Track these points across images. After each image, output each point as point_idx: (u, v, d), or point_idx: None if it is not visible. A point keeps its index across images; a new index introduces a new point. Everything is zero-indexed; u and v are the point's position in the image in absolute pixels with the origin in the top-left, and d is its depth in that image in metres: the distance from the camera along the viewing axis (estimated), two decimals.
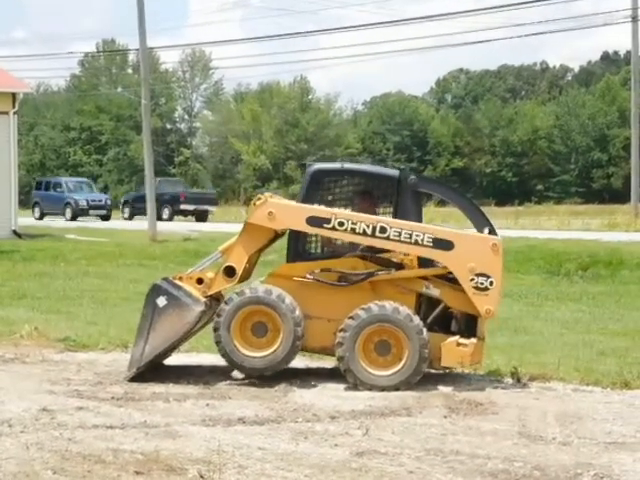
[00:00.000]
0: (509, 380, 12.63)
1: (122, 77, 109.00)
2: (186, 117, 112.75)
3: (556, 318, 18.60)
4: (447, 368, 12.64)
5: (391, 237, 12.32)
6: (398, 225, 12.35)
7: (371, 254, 12.60)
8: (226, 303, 12.33)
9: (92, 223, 52.24)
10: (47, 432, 9.83)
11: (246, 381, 12.38)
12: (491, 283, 12.48)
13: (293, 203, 13.02)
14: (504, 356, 13.94)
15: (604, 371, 12.87)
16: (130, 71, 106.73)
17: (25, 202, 62.19)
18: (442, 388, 12.00)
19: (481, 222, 12.86)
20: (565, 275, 26.72)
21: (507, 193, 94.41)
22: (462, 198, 13.83)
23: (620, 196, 78.29)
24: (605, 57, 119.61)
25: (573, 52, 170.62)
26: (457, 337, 12.33)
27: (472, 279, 12.37)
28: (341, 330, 12.10)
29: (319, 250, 12.96)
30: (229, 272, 12.58)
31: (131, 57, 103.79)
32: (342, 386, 12.30)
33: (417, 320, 12.12)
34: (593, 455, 9.08)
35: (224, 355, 12.42)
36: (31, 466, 8.64)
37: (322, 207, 12.66)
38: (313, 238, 12.85)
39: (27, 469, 8.54)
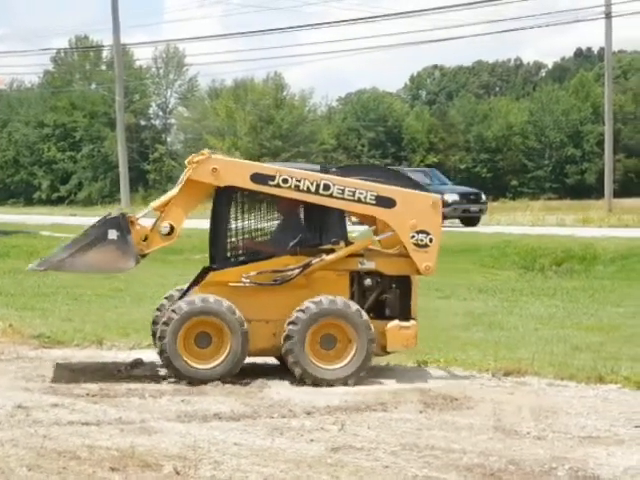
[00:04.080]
0: (484, 375, 12.66)
1: (96, 74, 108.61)
2: (160, 114, 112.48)
3: (531, 313, 18.66)
4: (392, 352, 12.86)
5: (334, 194, 12.41)
6: (341, 182, 12.46)
7: (300, 248, 12.58)
8: (174, 312, 12.00)
9: (66, 219, 52.05)
10: (22, 429, 9.81)
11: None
12: (430, 240, 12.69)
13: (237, 160, 13.02)
14: (479, 351, 13.99)
15: (578, 366, 12.92)
16: (104, 67, 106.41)
17: None
18: (417, 383, 12.00)
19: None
20: (539, 270, 26.83)
21: (482, 189, 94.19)
22: (392, 173, 14.21)
23: (594, 192, 78.71)
24: (579, 54, 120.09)
25: (547, 48, 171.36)
26: (397, 321, 12.56)
27: (413, 236, 12.63)
28: (290, 323, 12.08)
29: (245, 252, 12.78)
30: (167, 231, 12.35)
31: (105, 54, 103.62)
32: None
33: (365, 315, 12.27)
34: (568, 449, 9.11)
35: (168, 365, 12.15)
36: (6, 463, 8.61)
37: (267, 164, 12.94)
38: (236, 241, 12.74)
39: (2, 466, 8.52)
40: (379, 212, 12.67)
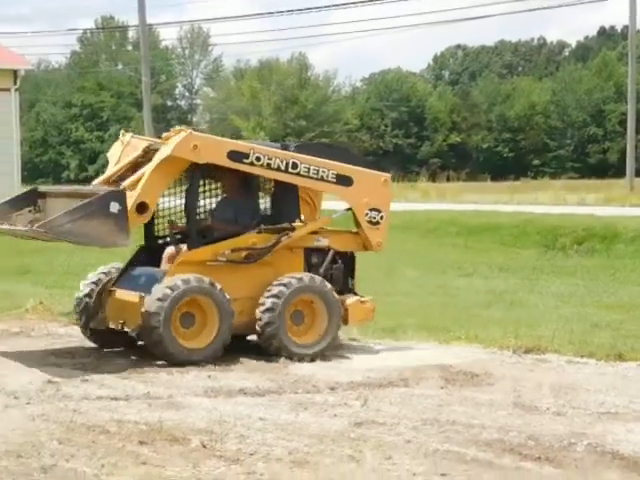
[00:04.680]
0: (505, 352, 12.68)
1: (122, 54, 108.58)
2: (186, 94, 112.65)
3: (551, 292, 18.64)
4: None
5: (301, 173, 12.57)
6: (307, 161, 12.62)
7: (265, 226, 12.59)
8: (160, 300, 11.48)
9: None
10: (52, 404, 9.89)
11: (247, 354, 12.40)
12: (382, 217, 13.11)
13: (216, 137, 12.99)
14: (500, 329, 13.99)
15: (598, 343, 12.92)
16: (130, 48, 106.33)
17: (27, 178, 61.97)
18: (439, 360, 12.02)
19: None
20: (560, 249, 26.74)
21: (503, 168, 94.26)
22: (345, 152, 14.58)
23: (616, 171, 78.22)
24: (602, 32, 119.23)
25: (571, 27, 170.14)
26: (357, 297, 12.94)
27: (366, 213, 13.01)
28: (272, 296, 12.09)
29: (215, 231, 12.60)
30: (140, 209, 11.92)
31: (131, 34, 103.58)
32: (340, 358, 12.35)
33: (336, 294, 12.51)
34: (587, 425, 9.12)
35: (165, 354, 11.70)
36: (37, 437, 8.70)
37: (242, 142, 12.91)
38: (208, 220, 12.76)
39: (33, 439, 8.60)
40: (338, 190, 12.93)
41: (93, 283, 12.77)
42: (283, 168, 12.41)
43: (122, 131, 13.39)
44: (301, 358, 12.14)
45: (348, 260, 13.20)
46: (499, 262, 23.89)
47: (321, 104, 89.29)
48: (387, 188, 13.39)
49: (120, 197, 11.38)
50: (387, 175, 13.46)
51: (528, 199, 45.16)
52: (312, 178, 12.64)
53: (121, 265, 12.95)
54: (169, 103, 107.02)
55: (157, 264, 12.56)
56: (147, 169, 12.07)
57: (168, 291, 11.50)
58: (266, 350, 12.23)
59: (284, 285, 12.19)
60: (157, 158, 12.07)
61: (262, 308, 12.12)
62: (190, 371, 11.39)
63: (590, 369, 11.74)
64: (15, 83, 42.66)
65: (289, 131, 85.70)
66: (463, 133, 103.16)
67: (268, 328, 12.09)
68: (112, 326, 12.47)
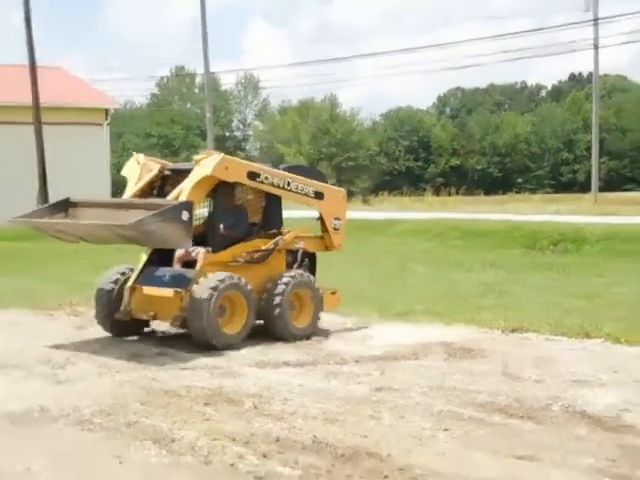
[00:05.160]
0: (495, 332, 12.64)
1: (190, 95, 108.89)
2: (241, 127, 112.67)
3: (532, 284, 18.57)
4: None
5: (292, 189, 12.54)
6: (297, 180, 12.61)
7: (265, 232, 12.44)
8: (209, 293, 11.08)
9: None
10: (136, 373, 9.97)
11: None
12: (341, 224, 13.26)
13: (239, 160, 12.73)
14: (491, 313, 13.94)
15: (569, 325, 12.86)
16: (197, 91, 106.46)
17: (116, 195, 62.04)
18: (443, 338, 12.00)
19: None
20: (539, 249, 26.63)
21: (494, 185, 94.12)
22: (316, 172, 14.58)
23: (583, 187, 77.97)
24: (572, 77, 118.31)
25: (547, 73, 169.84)
26: (329, 289, 12.96)
27: (332, 221, 13.16)
28: (283, 284, 11.99)
29: (230, 237, 12.11)
30: None
31: (198, 80, 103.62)
32: (363, 336, 12.33)
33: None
34: (561, 390, 9.10)
35: (209, 339, 11.16)
36: (123, 399, 8.77)
37: (256, 164, 12.71)
38: (225, 228, 12.02)
39: (120, 401, 8.68)
40: (314, 202, 12.96)
41: (112, 282, 12.00)
42: (282, 185, 12.36)
43: (135, 153, 12.97)
44: (299, 338, 12.01)
45: (312, 259, 13.14)
46: (490, 260, 23.80)
47: (348, 134, 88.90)
48: (344, 201, 13.59)
49: (189, 207, 11.12)
50: (344, 191, 13.71)
51: (513, 209, 44.92)
52: (299, 193, 12.66)
53: (130, 266, 12.19)
54: (227, 134, 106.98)
55: (168, 264, 11.94)
56: (187, 185, 11.56)
57: (215, 285, 11.14)
58: (272, 331, 11.98)
59: (291, 277, 12.15)
60: (197, 176, 11.61)
61: (275, 293, 11.93)
62: (244, 347, 11.38)
63: (563, 345, 11.69)
64: (106, 119, 42.95)
65: (322, 156, 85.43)
66: (461, 157, 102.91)
67: (277, 310, 11.89)
68: (140, 317, 11.88)
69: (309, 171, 14.22)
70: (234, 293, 11.38)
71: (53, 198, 30.24)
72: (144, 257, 12.09)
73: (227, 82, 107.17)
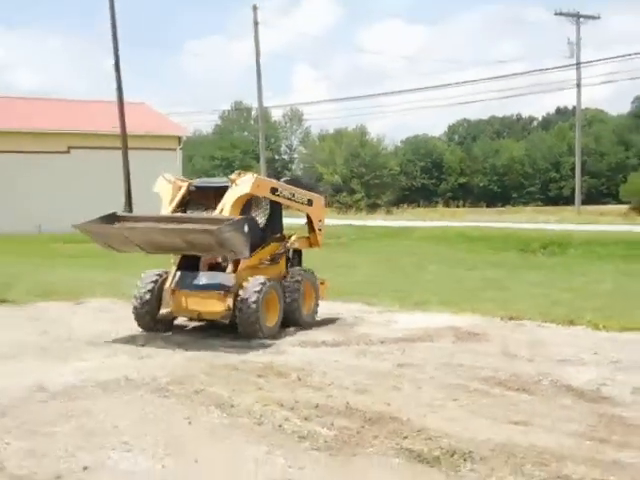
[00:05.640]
0: (496, 319, 12.55)
1: (247, 125, 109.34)
2: (287, 151, 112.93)
3: (526, 280, 18.42)
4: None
5: (296, 200, 12.17)
6: (297, 191, 12.19)
7: (273, 237, 11.97)
8: (257, 293, 10.64)
9: None
10: (201, 351, 9.97)
11: (324, 319, 12.34)
12: (322, 226, 12.93)
13: (264, 177, 12.20)
14: (492, 304, 13.85)
15: (557, 314, 12.73)
16: (252, 121, 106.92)
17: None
18: (452, 324, 11.92)
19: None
20: (532, 252, 26.47)
21: (494, 199, 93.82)
22: (305, 183, 14.18)
23: (568, 201, 77.41)
24: (558, 111, 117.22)
25: (538, 107, 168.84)
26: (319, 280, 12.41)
27: (317, 223, 12.77)
28: (296, 281, 11.65)
29: (255, 244, 11.32)
30: None
31: (253, 112, 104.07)
32: (387, 322, 12.27)
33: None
34: (550, 368, 9.00)
35: (257, 331, 10.68)
36: (192, 371, 8.80)
37: (274, 180, 12.21)
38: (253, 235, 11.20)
39: (190, 373, 8.71)
40: (307, 208, 12.52)
41: (151, 283, 11.15)
42: (289, 197, 12.01)
43: (164, 173, 12.20)
44: (308, 323, 11.67)
45: (299, 255, 12.65)
46: (491, 260, 23.68)
47: (375, 157, 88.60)
48: (324, 206, 13.22)
49: (249, 222, 10.79)
50: (323, 198, 13.30)
51: (510, 219, 44.79)
52: (299, 202, 12.26)
53: (159, 271, 11.35)
54: (276, 157, 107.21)
55: (195, 269, 11.26)
56: (228, 201, 11.05)
57: (260, 288, 10.68)
58: (288, 319, 11.42)
59: (301, 275, 11.81)
60: (236, 194, 11.09)
61: (293, 289, 11.57)
62: (288, 330, 11.32)
63: (552, 330, 11.58)
64: (179, 145, 43.21)
65: (353, 175, 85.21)
66: (467, 176, 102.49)
67: (295, 303, 11.51)
68: (182, 316, 11.28)
69: (299, 182, 13.82)
70: (271, 292, 11.06)
71: (136, 212, 30.37)
72: (173, 261, 11.41)
73: (277, 114, 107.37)
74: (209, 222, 10.58)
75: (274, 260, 11.93)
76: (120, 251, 11.71)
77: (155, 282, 11.17)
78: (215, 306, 10.77)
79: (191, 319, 11.55)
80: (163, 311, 11.05)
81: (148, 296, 11.10)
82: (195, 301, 10.95)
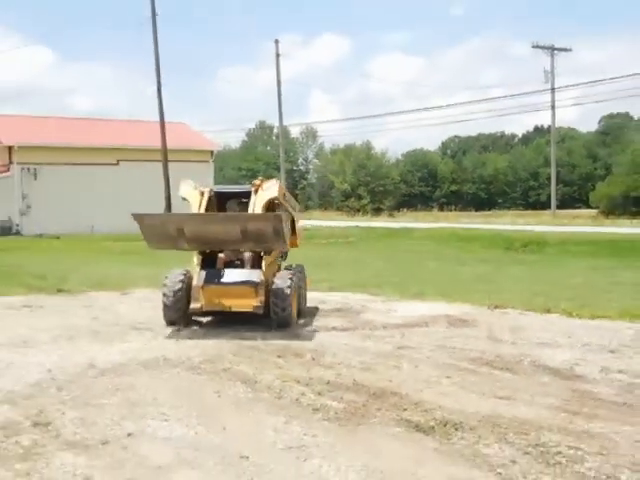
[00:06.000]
0: (483, 308, 12.47)
1: (269, 141, 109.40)
2: (304, 163, 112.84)
3: (509, 274, 18.32)
4: None
5: (291, 204, 11.70)
6: (291, 197, 11.85)
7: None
8: (289, 287, 10.18)
9: None
10: (229, 334, 9.93)
11: (335, 308, 12.29)
12: (301, 227, 12.48)
13: (280, 184, 11.31)
14: (480, 294, 13.76)
15: (537, 303, 12.64)
16: (274, 138, 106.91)
17: None
18: (445, 312, 11.85)
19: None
20: (514, 250, 26.35)
21: (481, 204, 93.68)
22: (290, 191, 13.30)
23: (544, 206, 77.12)
24: (536, 128, 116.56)
25: (518, 125, 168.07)
26: None
27: (298, 225, 12.20)
28: (303, 275, 11.36)
29: None
30: None
31: (275, 130, 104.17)
32: (389, 310, 12.21)
33: None
34: (530, 350, 8.93)
35: (290, 321, 10.26)
36: (220, 351, 8.77)
37: (281, 185, 11.45)
38: None
39: (218, 353, 8.68)
40: (294, 213, 11.90)
41: (179, 290, 10.30)
42: (287, 201, 11.56)
43: (189, 180, 11.52)
44: (305, 312, 11.32)
45: (285, 253, 11.95)
46: (480, 257, 23.57)
47: (379, 168, 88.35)
48: (300, 211, 12.67)
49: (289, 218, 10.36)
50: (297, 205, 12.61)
51: (495, 222, 44.70)
52: (291, 206, 11.73)
53: (182, 270, 10.58)
54: (294, 168, 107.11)
55: (212, 266, 10.56)
56: (258, 203, 10.65)
57: (290, 283, 10.29)
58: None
59: (299, 271, 11.29)
60: (265, 198, 10.70)
61: (301, 278, 11.27)
62: (305, 318, 11.25)
63: (531, 318, 11.47)
64: (212, 158, 43.27)
65: (360, 183, 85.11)
66: (458, 184, 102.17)
67: (302, 286, 11.23)
68: (213, 310, 10.34)
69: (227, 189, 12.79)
70: (296, 286, 10.77)
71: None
72: (196, 261, 10.69)
73: (295, 132, 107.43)
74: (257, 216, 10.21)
75: (283, 257, 11.77)
76: (161, 247, 10.62)
77: (182, 281, 10.37)
78: (247, 299, 10.20)
79: (216, 313, 10.67)
80: (194, 306, 10.29)
81: (180, 293, 10.28)
82: (226, 296, 10.35)
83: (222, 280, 10.39)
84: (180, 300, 10.32)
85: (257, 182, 11.02)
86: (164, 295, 10.39)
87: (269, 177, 12.45)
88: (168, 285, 10.39)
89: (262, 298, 10.13)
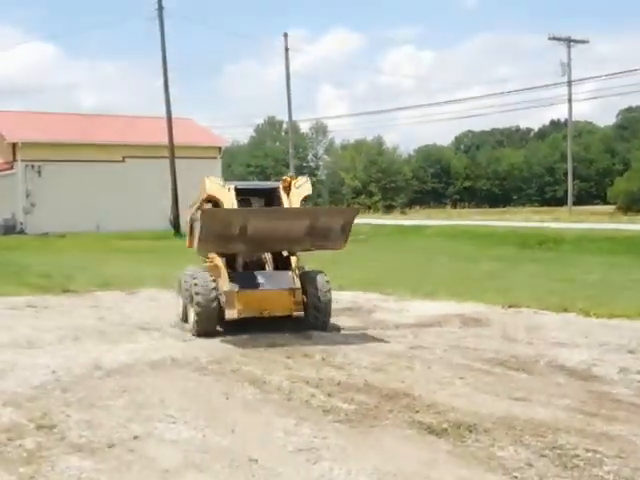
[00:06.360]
0: (497, 306, 12.42)
1: (278, 137, 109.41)
2: (314, 159, 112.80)
3: (524, 272, 18.26)
4: None
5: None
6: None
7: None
8: (328, 291, 10.06)
9: None
10: (238, 335, 9.88)
11: (345, 307, 12.25)
12: None
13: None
14: (494, 292, 13.73)
15: (552, 301, 12.60)
16: (283, 134, 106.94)
17: None
18: (458, 311, 11.83)
19: None
20: (529, 247, 26.26)
21: (496, 200, 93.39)
22: None
23: (561, 202, 76.82)
24: (552, 123, 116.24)
25: (534, 119, 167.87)
26: None
27: None
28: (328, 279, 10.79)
29: None
30: None
31: (284, 126, 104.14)
32: (401, 309, 12.19)
33: None
34: (546, 350, 8.90)
35: (328, 325, 10.15)
36: (228, 353, 8.77)
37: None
38: None
39: (226, 354, 8.68)
40: None
41: (214, 298, 9.68)
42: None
43: (213, 177, 10.95)
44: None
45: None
46: (493, 254, 23.50)
47: (390, 164, 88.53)
48: None
49: None
50: None
51: (510, 218, 44.56)
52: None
53: (205, 271, 10.10)
54: (304, 164, 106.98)
55: (232, 269, 10.13)
56: (295, 200, 10.36)
57: (329, 285, 10.07)
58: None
59: (301, 267, 10.79)
60: (302, 193, 10.44)
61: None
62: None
63: (547, 317, 11.44)
64: (220, 154, 43.38)
65: (372, 179, 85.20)
66: (472, 180, 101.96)
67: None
68: (251, 315, 9.77)
69: None
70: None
71: (181, 214, 30.48)
72: (220, 262, 10.08)
73: (304, 127, 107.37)
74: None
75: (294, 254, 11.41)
76: (213, 249, 10.00)
77: (215, 288, 9.67)
78: (286, 302, 9.80)
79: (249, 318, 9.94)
80: (230, 314, 9.66)
81: (215, 303, 9.63)
82: (265, 301, 9.81)
83: (259, 285, 9.90)
84: (216, 309, 9.66)
85: (288, 178, 10.70)
86: (198, 304, 9.61)
87: (279, 174, 12.34)
88: (202, 293, 9.60)
89: (300, 301, 9.83)
